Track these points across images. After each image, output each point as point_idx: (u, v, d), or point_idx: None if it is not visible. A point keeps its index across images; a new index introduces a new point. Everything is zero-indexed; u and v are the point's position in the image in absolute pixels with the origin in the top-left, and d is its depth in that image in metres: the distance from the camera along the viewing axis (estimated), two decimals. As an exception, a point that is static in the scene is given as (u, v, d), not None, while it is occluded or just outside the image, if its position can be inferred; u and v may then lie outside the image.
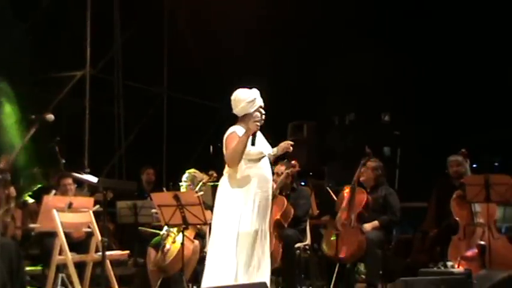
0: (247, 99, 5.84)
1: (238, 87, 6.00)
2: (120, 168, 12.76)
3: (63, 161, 9.82)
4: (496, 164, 11.67)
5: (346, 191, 8.03)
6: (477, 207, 7.51)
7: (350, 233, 7.75)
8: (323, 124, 12.91)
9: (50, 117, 5.96)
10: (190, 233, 7.57)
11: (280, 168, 8.03)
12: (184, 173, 8.33)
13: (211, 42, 13.11)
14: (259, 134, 5.98)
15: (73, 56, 11.92)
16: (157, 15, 13.35)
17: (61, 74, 12.01)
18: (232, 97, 5.93)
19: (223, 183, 5.82)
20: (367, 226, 7.80)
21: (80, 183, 8.56)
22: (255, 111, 5.83)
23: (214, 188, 9.36)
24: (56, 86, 11.91)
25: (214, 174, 8.35)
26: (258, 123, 5.72)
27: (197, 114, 13.61)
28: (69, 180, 8.26)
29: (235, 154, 5.68)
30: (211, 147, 14.27)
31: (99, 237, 6.45)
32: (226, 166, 5.86)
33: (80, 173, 7.34)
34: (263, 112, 5.88)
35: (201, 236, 7.85)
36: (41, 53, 11.40)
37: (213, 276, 5.68)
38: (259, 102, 5.89)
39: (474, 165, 8.17)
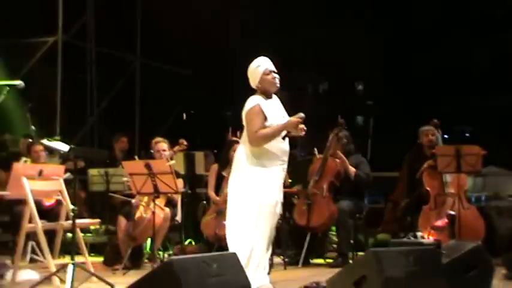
0: (252, 68, 5.73)
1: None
2: (92, 135, 12.68)
3: (34, 128, 9.75)
4: (467, 134, 11.77)
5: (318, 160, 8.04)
6: (448, 178, 7.57)
7: (321, 203, 7.79)
8: (296, 94, 12.85)
9: (20, 84, 5.85)
10: (161, 201, 7.55)
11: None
12: (157, 141, 8.27)
13: (184, 7, 12.94)
14: (276, 101, 5.85)
15: (45, 21, 11.73)
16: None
17: (32, 40, 11.83)
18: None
19: (241, 156, 5.64)
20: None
21: (50, 151, 8.48)
22: (264, 74, 5.67)
23: (186, 157, 9.38)
24: (28, 51, 11.74)
25: (185, 143, 8.31)
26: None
27: (170, 82, 13.48)
28: (40, 148, 8.19)
29: (266, 140, 5.56)
30: (184, 114, 14.19)
31: (70, 206, 6.40)
32: (243, 138, 5.73)
33: (51, 141, 7.26)
34: (276, 76, 5.73)
35: (172, 204, 7.83)
36: (12, 16, 11.19)
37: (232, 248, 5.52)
38: (266, 65, 5.71)
39: (445, 136, 8.20)
